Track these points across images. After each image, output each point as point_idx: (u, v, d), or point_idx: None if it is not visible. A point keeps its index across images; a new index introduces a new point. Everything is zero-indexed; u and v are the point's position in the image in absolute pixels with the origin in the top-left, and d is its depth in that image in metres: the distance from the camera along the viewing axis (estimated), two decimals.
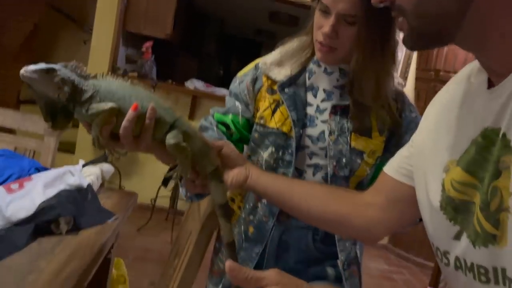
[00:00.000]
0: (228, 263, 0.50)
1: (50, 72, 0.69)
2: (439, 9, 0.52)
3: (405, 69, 3.46)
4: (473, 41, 0.54)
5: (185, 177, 0.77)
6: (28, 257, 0.94)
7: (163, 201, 3.39)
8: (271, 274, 0.52)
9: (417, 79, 3.48)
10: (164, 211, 3.43)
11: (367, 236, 0.80)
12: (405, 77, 3.43)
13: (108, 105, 0.71)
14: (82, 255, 1.00)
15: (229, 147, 0.80)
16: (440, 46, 0.60)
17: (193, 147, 0.75)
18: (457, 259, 0.56)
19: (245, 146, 1.04)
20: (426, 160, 0.66)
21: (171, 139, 0.72)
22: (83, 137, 3.40)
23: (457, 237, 0.56)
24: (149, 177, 3.34)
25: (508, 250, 0.48)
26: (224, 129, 1.00)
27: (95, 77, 0.75)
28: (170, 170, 0.83)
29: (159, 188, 3.27)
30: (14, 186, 1.11)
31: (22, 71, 0.67)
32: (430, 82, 3.31)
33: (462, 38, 0.54)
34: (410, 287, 3.00)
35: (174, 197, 3.41)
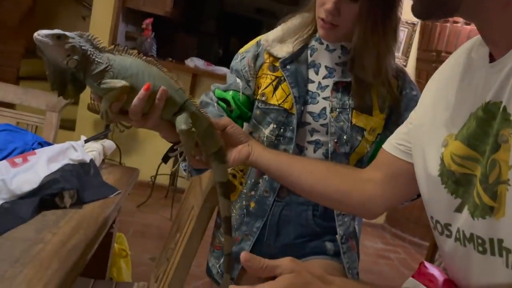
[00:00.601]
0: (243, 254, 0.51)
1: (62, 38, 0.69)
2: None
3: (407, 50, 3.44)
4: (476, 10, 0.54)
5: (188, 158, 0.79)
6: (34, 229, 0.97)
7: (163, 179, 3.42)
8: (285, 262, 0.53)
9: (418, 59, 3.46)
10: (164, 189, 3.46)
11: (366, 212, 0.82)
12: (406, 57, 3.42)
13: (121, 82, 0.72)
14: (86, 227, 1.02)
15: (232, 125, 0.82)
16: (447, 16, 0.60)
17: (199, 128, 0.78)
18: (458, 231, 0.58)
19: (246, 123, 1.05)
20: (424, 135, 0.67)
21: (182, 124, 0.74)
22: (83, 114, 3.40)
23: (459, 209, 0.58)
24: (149, 155, 3.36)
25: (505, 222, 0.50)
26: (224, 105, 1.00)
27: (111, 51, 0.75)
28: (171, 148, 0.86)
29: (159, 166, 3.29)
30: (18, 160, 1.12)
31: (35, 34, 0.68)
32: (432, 63, 3.30)
33: (465, 7, 0.54)
34: (405, 266, 3.05)
35: (174, 175, 3.44)
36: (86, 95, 3.28)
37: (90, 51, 0.72)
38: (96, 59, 0.72)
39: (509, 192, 0.49)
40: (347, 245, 0.96)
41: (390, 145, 0.78)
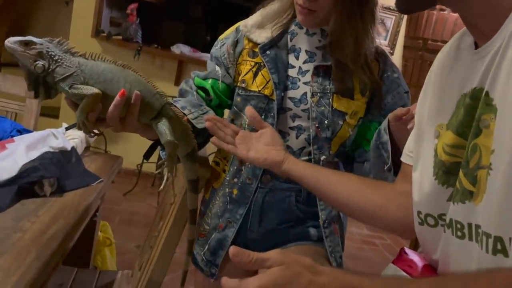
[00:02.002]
0: (232, 249, 0.51)
1: (28, 44, 0.72)
2: None
3: (394, 37, 3.44)
4: None
5: (171, 172, 0.81)
6: (12, 218, 0.95)
7: (149, 167, 3.39)
8: (274, 255, 0.52)
9: (406, 47, 3.47)
10: (150, 177, 3.44)
11: (403, 227, 0.76)
12: (393, 45, 3.42)
13: (92, 89, 0.72)
14: (66, 216, 1.01)
15: (271, 129, 0.87)
16: (429, 7, 0.60)
17: (176, 131, 0.79)
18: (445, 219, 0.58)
19: (228, 111, 1.04)
20: (423, 131, 0.66)
21: (168, 135, 0.77)
22: None
23: (450, 199, 0.57)
24: (135, 143, 3.32)
25: (482, 207, 0.50)
26: (203, 94, 0.99)
27: (83, 55, 0.76)
28: (153, 146, 0.92)
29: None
30: None
31: (6, 41, 0.72)
32: (418, 51, 3.30)
33: None
34: (390, 252, 3.10)
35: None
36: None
37: (59, 56, 0.73)
38: (65, 63, 0.73)
39: (490, 177, 0.49)
40: (329, 229, 0.96)
41: (404, 155, 0.76)
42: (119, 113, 0.73)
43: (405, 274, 0.67)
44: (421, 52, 3.27)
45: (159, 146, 0.92)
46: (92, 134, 0.79)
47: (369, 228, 3.55)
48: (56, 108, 3.39)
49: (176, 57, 3.41)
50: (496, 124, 0.49)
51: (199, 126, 0.87)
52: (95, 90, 0.71)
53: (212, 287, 1.03)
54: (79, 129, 0.75)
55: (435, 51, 3.34)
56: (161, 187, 0.83)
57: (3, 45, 0.73)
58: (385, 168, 0.84)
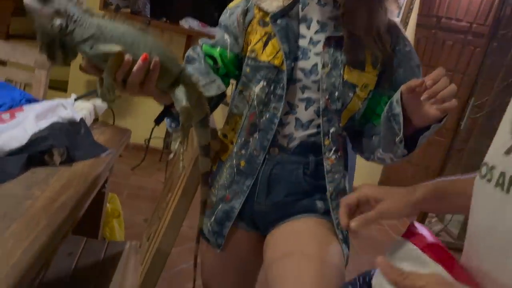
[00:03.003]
0: (380, 261, 0.51)
1: (48, 1, 0.69)
2: None
3: (407, 15, 3.37)
4: None
5: (182, 142, 0.81)
6: (22, 185, 0.96)
7: (157, 142, 3.40)
8: (429, 276, 0.51)
9: (418, 25, 3.39)
10: (158, 152, 3.45)
11: None
12: (406, 23, 3.35)
13: (115, 47, 0.71)
14: (76, 185, 1.01)
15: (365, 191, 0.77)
16: None
17: (192, 98, 0.79)
18: (501, 175, 0.55)
19: (237, 82, 1.02)
20: None
21: (183, 101, 0.76)
22: (75, 74, 3.33)
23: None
24: (143, 117, 3.32)
25: None
26: (211, 62, 0.98)
27: (102, 17, 0.74)
28: (166, 110, 0.89)
29: (153, 129, 3.27)
30: (5, 116, 1.10)
31: None
32: (431, 29, 3.23)
33: None
34: (396, 231, 3.11)
35: (167, 138, 3.42)
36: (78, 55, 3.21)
37: (78, 16, 0.71)
38: (84, 24, 0.71)
39: None
40: (337, 202, 0.95)
41: None
42: (141, 78, 0.72)
43: (415, 247, 0.67)
44: (434, 30, 3.20)
45: (166, 118, 0.92)
46: (111, 100, 0.77)
47: None
48: (65, 81, 3.39)
49: (185, 31, 3.37)
50: None
51: (207, 94, 0.86)
52: (118, 48, 0.70)
53: (218, 258, 1.04)
54: (103, 94, 0.73)
55: (449, 29, 3.28)
56: (171, 155, 0.83)
57: (11, 16, 0.72)
58: (396, 140, 0.83)
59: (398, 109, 0.81)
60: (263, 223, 0.99)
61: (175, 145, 0.82)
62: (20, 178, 0.98)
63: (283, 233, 0.95)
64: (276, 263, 0.89)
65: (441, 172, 3.21)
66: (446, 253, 0.67)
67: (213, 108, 0.94)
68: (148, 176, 3.17)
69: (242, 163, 0.96)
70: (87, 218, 1.14)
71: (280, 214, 0.97)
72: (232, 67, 0.99)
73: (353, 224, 0.72)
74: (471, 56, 3.13)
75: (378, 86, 0.95)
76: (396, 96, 0.81)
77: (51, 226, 0.84)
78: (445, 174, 3.24)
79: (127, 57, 0.70)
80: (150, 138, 3.30)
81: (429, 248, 0.67)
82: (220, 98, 0.97)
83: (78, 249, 1.33)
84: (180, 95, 0.77)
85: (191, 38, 3.40)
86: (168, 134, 3.41)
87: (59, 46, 0.73)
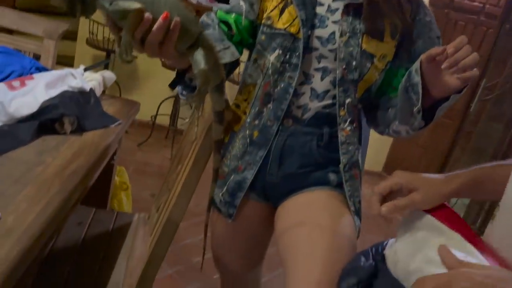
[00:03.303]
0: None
1: None
2: None
3: None
4: None
5: (197, 108, 0.81)
6: (34, 151, 0.95)
7: (163, 119, 3.39)
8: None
9: (431, 5, 3.33)
10: (164, 129, 3.45)
11: None
12: None
13: (135, 4, 0.69)
14: (87, 154, 1.01)
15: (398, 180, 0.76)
16: None
17: (209, 61, 0.77)
18: None
19: (251, 51, 1.00)
20: None
21: (202, 63, 0.76)
22: (81, 49, 3.31)
23: None
24: (150, 93, 3.31)
25: None
26: (225, 28, 0.96)
27: None
28: (181, 75, 0.88)
29: (159, 105, 3.26)
30: (16, 83, 1.09)
31: None
32: (444, 9, 3.17)
33: None
34: (400, 213, 3.11)
35: (174, 115, 3.41)
36: (84, 29, 3.18)
37: None
38: None
39: None
40: (350, 174, 0.95)
41: None
42: (160, 37, 0.70)
43: (430, 216, 0.67)
44: (447, 10, 3.14)
45: (178, 86, 0.90)
46: (129, 61, 0.76)
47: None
48: (71, 57, 3.37)
49: (193, 6, 3.33)
50: None
51: (222, 60, 0.85)
52: (137, 5, 0.68)
53: (229, 228, 1.04)
54: (121, 53, 0.72)
55: (462, 10, 3.21)
56: (186, 120, 0.82)
57: None
58: (414, 110, 0.81)
59: (417, 79, 0.79)
60: (275, 194, 0.98)
61: (188, 112, 0.81)
62: (31, 145, 0.97)
63: (295, 204, 0.94)
64: (288, 232, 0.89)
65: (449, 155, 3.20)
66: (464, 223, 0.66)
67: (226, 75, 0.93)
68: (154, 153, 3.17)
69: (255, 133, 0.95)
70: (96, 189, 1.14)
71: (292, 186, 0.96)
72: (246, 35, 0.96)
73: (384, 209, 0.72)
74: (483, 37, 3.07)
75: (396, 58, 0.93)
76: (416, 65, 0.79)
77: (62, 192, 0.84)
78: (452, 157, 3.22)
79: (147, 15, 0.69)
80: (156, 115, 3.29)
81: (445, 218, 0.66)
82: (232, 66, 0.96)
83: (88, 219, 1.34)
84: (199, 57, 0.76)
85: (199, 13, 3.34)
86: (174, 111, 3.40)
87: (79, 2, 0.71)
